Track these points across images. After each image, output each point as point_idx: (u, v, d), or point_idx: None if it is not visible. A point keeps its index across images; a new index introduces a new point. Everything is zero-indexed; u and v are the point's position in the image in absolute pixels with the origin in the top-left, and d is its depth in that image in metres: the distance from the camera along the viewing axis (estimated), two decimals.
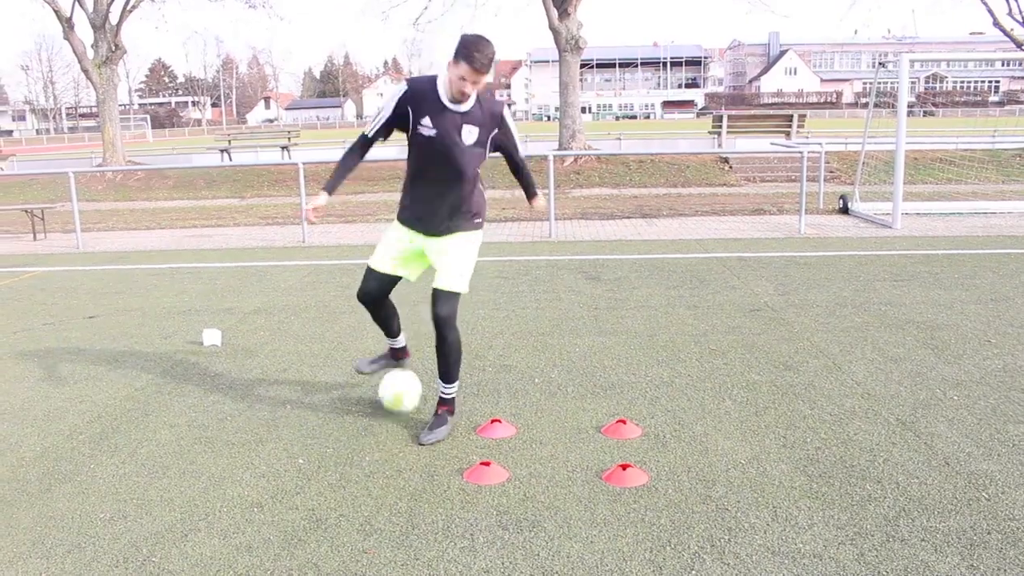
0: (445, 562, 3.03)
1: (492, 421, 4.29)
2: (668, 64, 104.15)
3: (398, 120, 4.00)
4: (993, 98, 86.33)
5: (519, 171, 4.42)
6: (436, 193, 4.09)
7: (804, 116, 21.20)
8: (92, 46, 22.90)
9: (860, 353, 5.46)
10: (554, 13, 19.59)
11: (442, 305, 4.07)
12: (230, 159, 22.89)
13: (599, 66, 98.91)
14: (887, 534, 3.14)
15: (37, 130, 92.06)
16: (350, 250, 10.57)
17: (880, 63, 13.22)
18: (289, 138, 23.89)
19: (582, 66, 23.93)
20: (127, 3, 23.00)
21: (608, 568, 2.96)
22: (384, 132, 4.08)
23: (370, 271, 4.30)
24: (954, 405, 4.47)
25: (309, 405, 4.74)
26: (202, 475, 3.84)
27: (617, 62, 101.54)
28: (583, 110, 25.40)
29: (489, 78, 3.98)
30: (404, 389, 4.32)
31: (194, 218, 14.99)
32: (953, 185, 16.71)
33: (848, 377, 4.98)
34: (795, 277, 8.00)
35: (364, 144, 4.15)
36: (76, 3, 22.46)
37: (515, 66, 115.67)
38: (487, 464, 3.74)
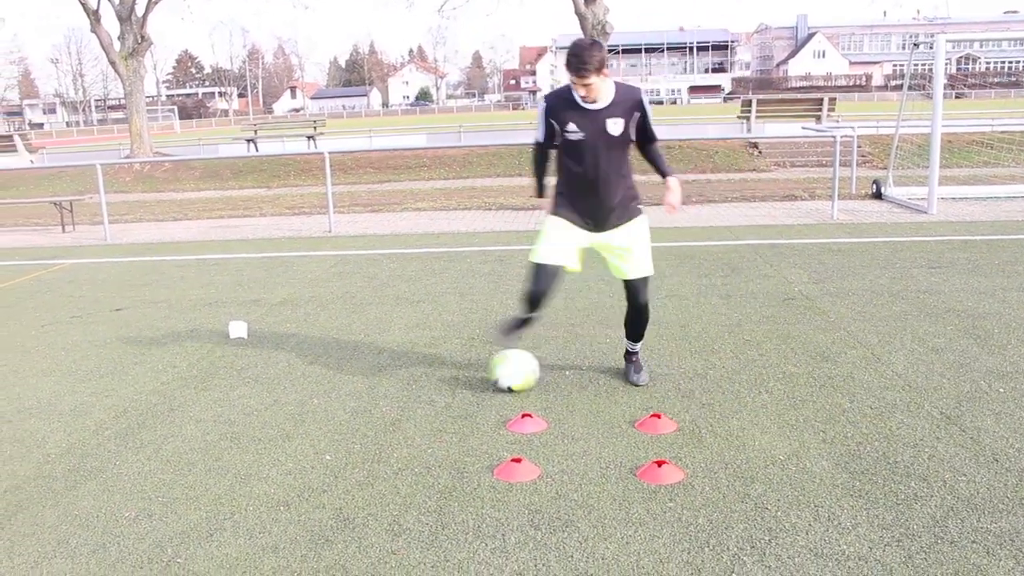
0: (476, 564, 2.94)
1: (522, 415, 4.20)
2: (694, 49, 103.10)
3: (552, 129, 4.35)
4: None
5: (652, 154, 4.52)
6: (591, 190, 4.33)
7: (834, 100, 20.83)
8: (119, 38, 23.02)
9: (900, 343, 5.30)
10: None
11: (643, 292, 4.54)
12: (256, 149, 22.94)
13: (625, 52, 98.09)
14: (935, 535, 3.01)
15: (67, 123, 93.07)
16: (377, 240, 10.50)
17: (914, 44, 12.90)
18: (315, 127, 23.86)
19: (608, 51, 23.69)
20: None
21: (645, 570, 2.86)
22: (549, 141, 4.43)
23: (540, 267, 4.49)
24: (1000, 398, 4.31)
25: (336, 399, 4.67)
26: (228, 472, 3.78)
27: (643, 47, 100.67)
28: None
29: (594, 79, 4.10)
30: (533, 369, 4.67)
31: (221, 209, 15.01)
32: (990, 168, 16.32)
33: (888, 368, 4.82)
34: (829, 264, 7.82)
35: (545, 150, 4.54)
36: None
37: (540, 52, 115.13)
38: (518, 460, 3.65)
